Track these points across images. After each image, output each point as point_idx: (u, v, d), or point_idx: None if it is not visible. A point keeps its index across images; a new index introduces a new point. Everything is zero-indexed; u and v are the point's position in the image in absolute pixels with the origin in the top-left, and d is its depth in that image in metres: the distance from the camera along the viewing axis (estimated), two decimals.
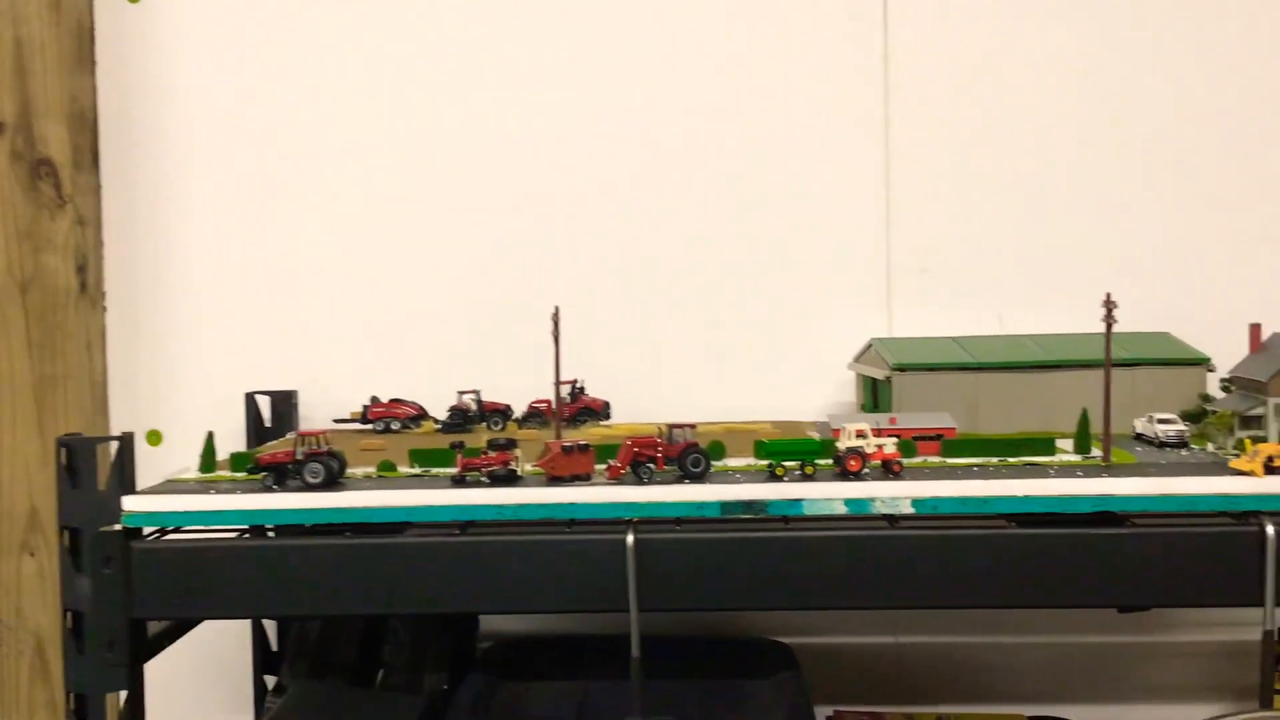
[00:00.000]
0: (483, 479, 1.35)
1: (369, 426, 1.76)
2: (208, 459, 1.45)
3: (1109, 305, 1.39)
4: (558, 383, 1.46)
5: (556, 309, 1.43)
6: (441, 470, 1.42)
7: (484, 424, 1.75)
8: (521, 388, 1.77)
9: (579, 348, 1.76)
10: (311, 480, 1.33)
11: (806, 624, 1.91)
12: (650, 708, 1.51)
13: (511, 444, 1.36)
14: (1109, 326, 1.39)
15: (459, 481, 1.35)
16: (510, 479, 1.35)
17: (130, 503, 1.31)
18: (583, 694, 1.66)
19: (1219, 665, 1.89)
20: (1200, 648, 1.90)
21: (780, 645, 1.79)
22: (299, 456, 1.34)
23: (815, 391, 1.90)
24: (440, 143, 1.92)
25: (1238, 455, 1.34)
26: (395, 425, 1.75)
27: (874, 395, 1.74)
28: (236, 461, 1.43)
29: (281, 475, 1.35)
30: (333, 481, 1.35)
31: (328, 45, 1.92)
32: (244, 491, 1.34)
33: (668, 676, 1.66)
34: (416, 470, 1.43)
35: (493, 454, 1.35)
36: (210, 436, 1.46)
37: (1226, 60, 1.85)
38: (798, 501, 1.32)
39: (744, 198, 1.91)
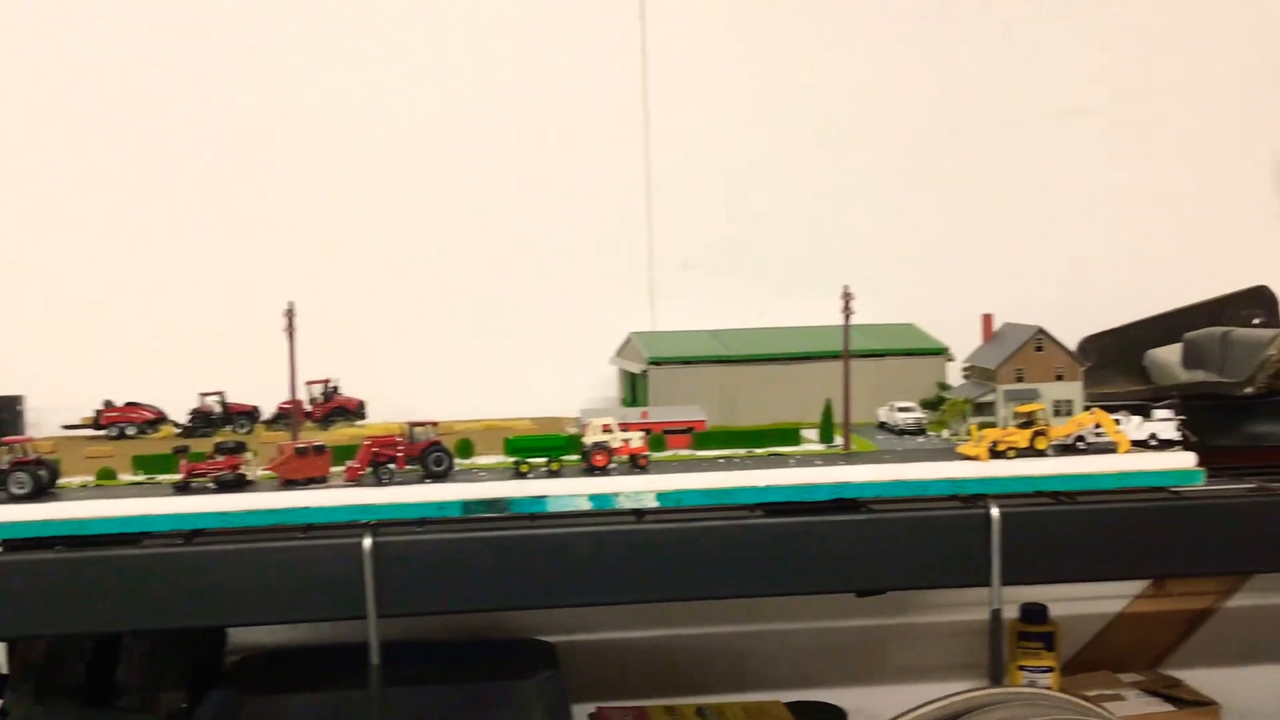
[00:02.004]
0: (209, 485, 1.28)
1: (102, 433, 1.65)
2: None
3: (846, 297, 1.42)
4: (293, 379, 1.40)
5: (290, 304, 1.37)
6: (166, 477, 1.34)
7: (229, 427, 1.67)
8: (275, 387, 1.69)
9: (337, 345, 1.71)
10: (16, 491, 1.24)
11: (574, 621, 1.90)
12: (405, 714, 1.47)
13: (241, 447, 1.30)
14: (846, 317, 1.42)
15: (183, 488, 1.28)
16: (239, 484, 1.28)
17: None
18: (335, 705, 1.60)
19: (970, 643, 1.96)
20: (955, 627, 1.97)
21: (542, 644, 1.77)
22: (3, 466, 1.24)
23: (581, 387, 1.88)
24: (175, 129, 1.81)
25: (968, 441, 1.39)
26: (130, 430, 1.65)
27: (633, 389, 1.74)
28: None
29: None
30: (41, 492, 1.25)
31: (49, 29, 1.79)
32: None
33: (426, 681, 1.63)
34: (140, 477, 1.35)
35: (220, 458, 1.29)
36: None
37: (963, 62, 1.92)
38: (542, 498, 1.30)
39: (504, 193, 1.88)
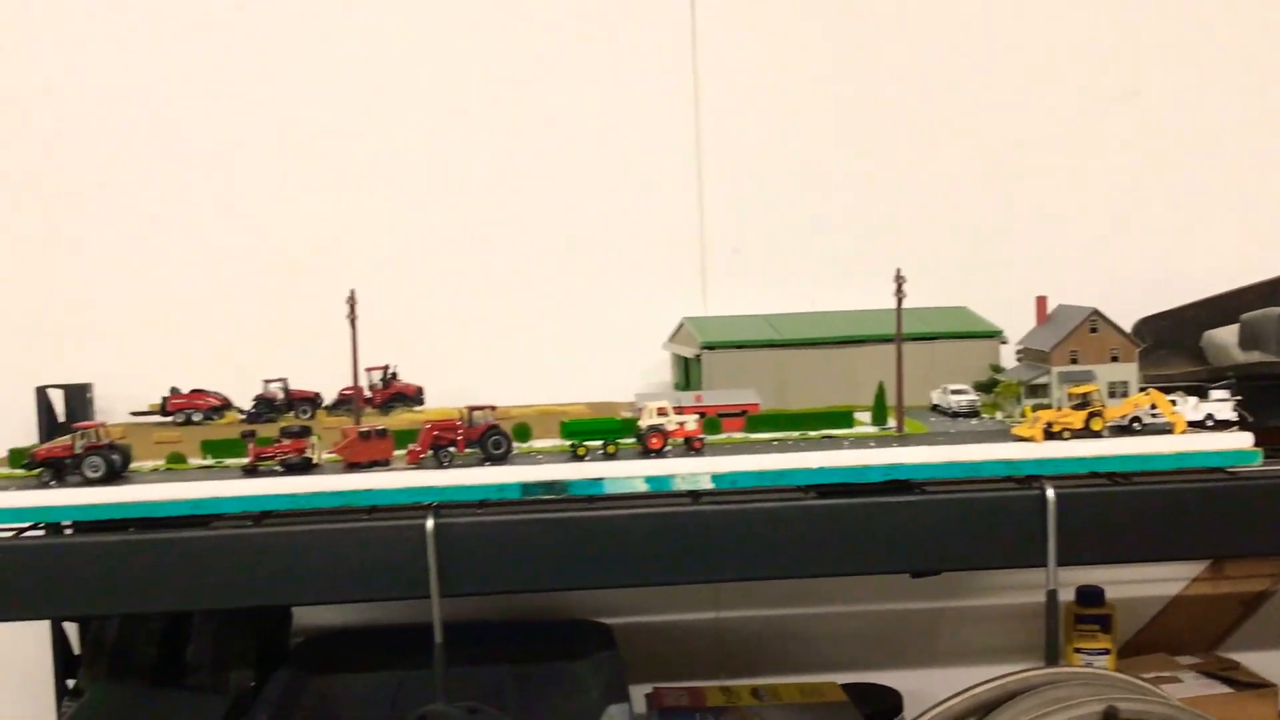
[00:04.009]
0: (276, 468, 1.32)
1: (169, 419, 1.70)
2: None
3: (899, 280, 1.42)
4: (355, 366, 1.43)
5: (352, 292, 1.40)
6: (234, 461, 1.37)
7: (291, 413, 1.71)
8: (335, 374, 1.73)
9: (395, 332, 1.74)
10: (91, 475, 1.28)
11: (630, 603, 1.92)
12: (465, 693, 1.49)
13: (306, 431, 1.33)
14: (899, 301, 1.43)
15: (251, 471, 1.31)
16: (305, 467, 1.31)
17: None
18: (397, 684, 1.64)
19: (1026, 625, 1.96)
20: (1009, 610, 1.97)
21: (598, 625, 1.79)
22: (77, 450, 1.28)
23: (633, 372, 1.90)
24: (235, 120, 1.85)
25: (1022, 423, 1.39)
26: (196, 417, 1.69)
27: (686, 373, 1.75)
28: (14, 458, 1.37)
29: (59, 470, 1.29)
30: (115, 475, 1.29)
31: (108, 21, 1.84)
32: (20, 488, 1.28)
33: (485, 661, 1.66)
34: (209, 461, 1.39)
35: (286, 441, 1.32)
36: None
37: (1015, 45, 1.91)
38: (599, 481, 1.32)
39: (557, 179, 1.90)
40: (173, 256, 1.86)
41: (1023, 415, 1.44)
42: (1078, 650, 1.81)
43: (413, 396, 1.73)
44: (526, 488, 1.30)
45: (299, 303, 1.86)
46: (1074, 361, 1.46)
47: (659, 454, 1.36)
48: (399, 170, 1.88)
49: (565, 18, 1.88)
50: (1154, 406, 1.36)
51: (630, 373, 1.89)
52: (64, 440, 1.32)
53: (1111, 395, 1.45)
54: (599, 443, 1.37)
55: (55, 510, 1.27)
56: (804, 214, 1.92)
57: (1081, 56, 1.91)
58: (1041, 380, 1.48)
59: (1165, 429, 1.36)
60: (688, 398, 1.51)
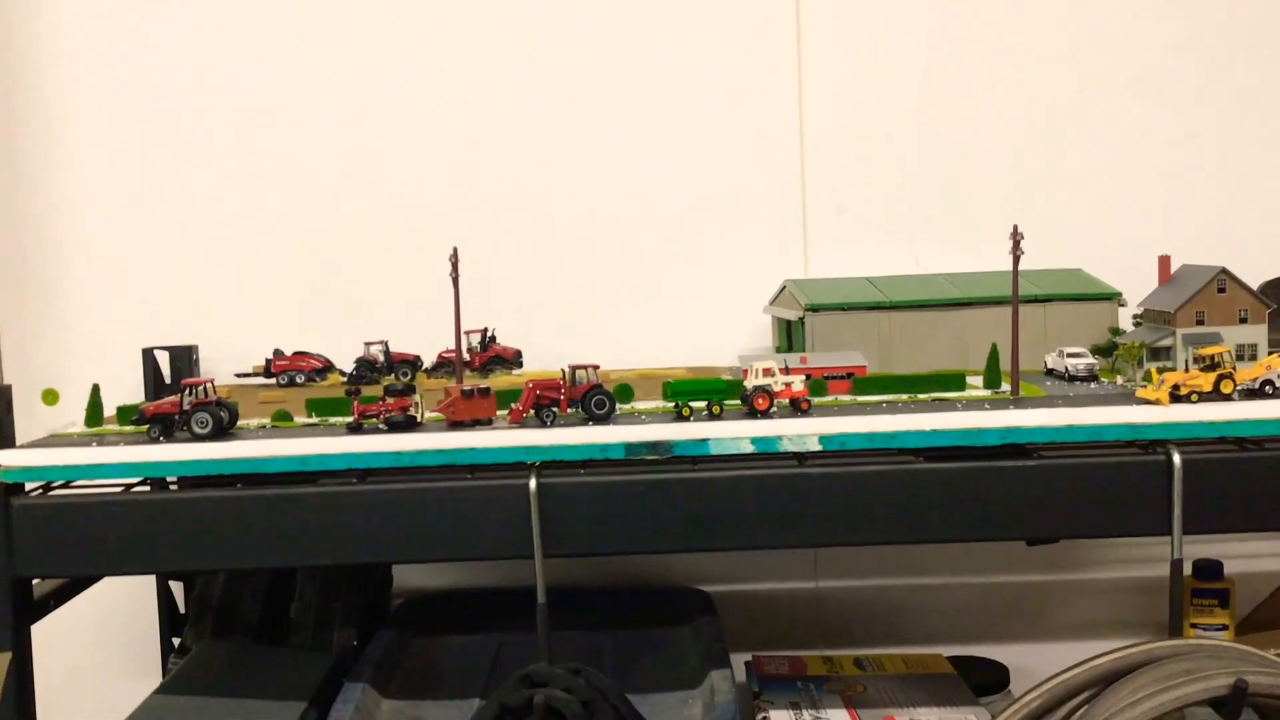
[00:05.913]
0: (380, 426, 1.31)
1: (272, 380, 1.71)
2: (93, 412, 1.39)
3: (1016, 237, 1.37)
4: (458, 324, 1.42)
5: (455, 250, 1.39)
6: (339, 419, 1.37)
7: (392, 375, 1.70)
8: (433, 338, 1.73)
9: (493, 296, 1.73)
10: (199, 430, 1.29)
11: (728, 571, 1.90)
12: (565, 657, 1.48)
13: (410, 389, 1.32)
14: (1016, 258, 1.38)
15: (355, 429, 1.31)
16: (409, 425, 1.31)
17: (7, 457, 1.26)
18: (497, 646, 1.63)
19: (1135, 601, 1.90)
20: (1117, 584, 1.91)
21: (698, 592, 1.77)
22: (185, 407, 1.29)
23: (733, 335, 1.87)
24: (338, 87, 1.86)
25: (1145, 386, 1.33)
26: (299, 378, 1.70)
27: (789, 337, 1.72)
28: (123, 414, 1.38)
29: (168, 426, 1.30)
30: (222, 431, 1.30)
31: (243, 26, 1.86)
32: (129, 444, 1.29)
33: (584, 627, 1.65)
34: (313, 419, 1.39)
35: (390, 400, 1.31)
36: (96, 389, 1.41)
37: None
38: (704, 441, 1.29)
39: (658, 142, 1.87)
40: (276, 221, 1.87)
41: (1145, 379, 1.38)
42: (1194, 625, 1.74)
43: (511, 359, 1.72)
44: (630, 448, 1.28)
45: (399, 268, 1.86)
46: (1200, 323, 1.40)
47: (765, 415, 1.33)
48: (500, 134, 1.86)
49: None
50: None
51: (730, 336, 1.86)
52: (173, 397, 1.33)
53: (1239, 358, 1.38)
54: (704, 403, 1.34)
55: (163, 465, 1.28)
56: (907, 174, 1.87)
57: (1201, 9, 1.83)
58: (1165, 342, 1.42)
59: None
60: (792, 360, 1.48)
